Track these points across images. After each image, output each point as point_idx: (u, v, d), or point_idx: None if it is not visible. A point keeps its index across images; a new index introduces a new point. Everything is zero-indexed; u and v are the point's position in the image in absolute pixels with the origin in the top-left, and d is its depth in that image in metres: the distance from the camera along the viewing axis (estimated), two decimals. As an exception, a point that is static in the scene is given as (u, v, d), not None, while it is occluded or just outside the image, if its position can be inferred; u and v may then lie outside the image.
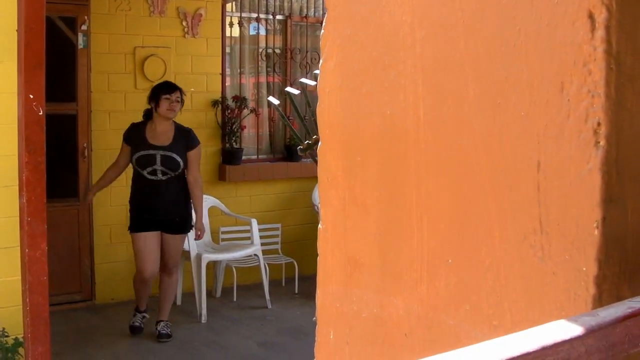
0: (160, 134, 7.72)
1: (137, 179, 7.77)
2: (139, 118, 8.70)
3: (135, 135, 7.77)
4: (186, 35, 9.37)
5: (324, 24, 1.75)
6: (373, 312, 1.62)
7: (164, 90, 7.72)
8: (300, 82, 2.40)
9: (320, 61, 1.77)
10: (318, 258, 1.79)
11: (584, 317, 0.92)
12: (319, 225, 1.78)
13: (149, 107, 7.88)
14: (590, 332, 0.88)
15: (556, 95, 1.25)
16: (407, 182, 1.53)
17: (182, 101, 7.81)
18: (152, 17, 9.12)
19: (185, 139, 7.75)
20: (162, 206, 7.70)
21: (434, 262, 1.47)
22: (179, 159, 7.67)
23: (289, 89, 2.60)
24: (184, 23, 9.34)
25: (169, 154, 7.64)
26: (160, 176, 7.65)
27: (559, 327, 0.89)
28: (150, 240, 7.65)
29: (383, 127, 1.59)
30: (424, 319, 1.49)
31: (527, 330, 0.88)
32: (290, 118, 9.63)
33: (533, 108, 1.29)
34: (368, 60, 1.63)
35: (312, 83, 2.00)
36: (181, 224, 7.86)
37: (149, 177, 7.65)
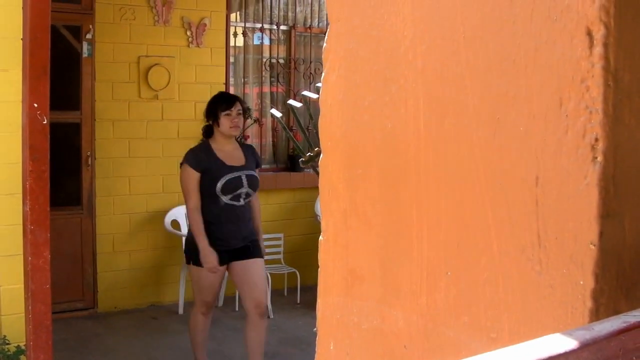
0: (231, 153, 6.71)
1: (211, 207, 6.60)
2: (142, 127, 8.74)
3: (207, 160, 6.60)
4: (190, 45, 9.39)
5: (326, 37, 1.77)
6: (373, 323, 1.63)
7: (221, 105, 6.62)
8: (303, 94, 2.41)
9: (323, 74, 1.79)
10: (319, 269, 1.80)
11: (579, 330, 0.93)
12: (320, 237, 1.79)
13: (207, 123, 6.80)
14: (584, 346, 0.90)
15: (555, 111, 1.27)
16: (408, 195, 1.55)
17: (245, 111, 6.84)
18: (156, 26, 9.14)
19: (253, 155, 6.95)
20: (239, 235, 6.70)
21: (434, 274, 1.48)
22: (259, 177, 6.83)
23: (291, 101, 2.62)
24: (189, 33, 9.36)
25: (252, 172, 6.73)
26: (242, 201, 6.65)
27: (554, 341, 0.90)
28: (221, 275, 6.74)
29: (384, 140, 1.61)
30: (424, 331, 1.50)
31: (523, 344, 0.90)
32: (293, 129, 9.66)
33: (532, 123, 1.30)
34: (370, 74, 1.64)
35: (315, 96, 2.02)
36: (258, 246, 6.86)
37: (230, 202, 6.61)
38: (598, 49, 1.22)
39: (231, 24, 9.91)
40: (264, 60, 10.35)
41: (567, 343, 0.89)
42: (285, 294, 9.56)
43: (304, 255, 9.61)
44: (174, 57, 9.25)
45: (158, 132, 9.09)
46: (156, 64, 9.09)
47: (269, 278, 8.88)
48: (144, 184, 9.04)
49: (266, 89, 10.42)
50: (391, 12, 1.59)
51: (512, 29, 1.34)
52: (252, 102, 10.17)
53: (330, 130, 1.76)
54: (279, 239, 9.70)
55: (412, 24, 1.54)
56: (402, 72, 1.56)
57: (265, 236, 9.23)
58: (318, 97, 1.81)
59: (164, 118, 9.14)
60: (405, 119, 1.55)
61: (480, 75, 1.40)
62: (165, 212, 8.97)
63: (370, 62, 1.64)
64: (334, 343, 1.75)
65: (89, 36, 8.69)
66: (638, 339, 0.98)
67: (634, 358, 0.97)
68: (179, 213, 8.98)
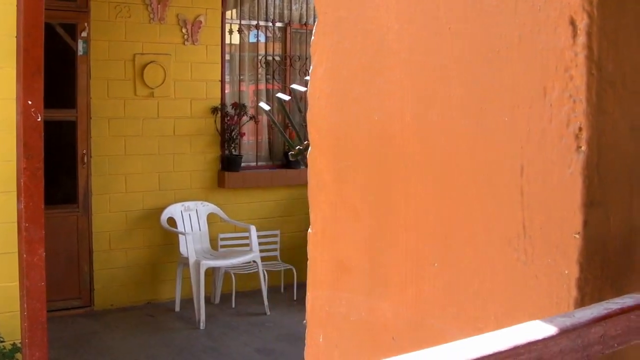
0: None
1: None
2: (138, 125, 8.74)
3: None
4: (186, 42, 9.39)
5: (314, 30, 1.77)
6: (361, 315, 1.63)
7: None
8: (292, 88, 2.41)
9: (311, 67, 1.79)
10: (308, 262, 1.80)
11: (559, 317, 0.93)
12: (309, 229, 1.79)
13: None
14: (564, 333, 0.90)
15: (539, 100, 1.26)
16: (395, 187, 1.54)
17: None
18: (152, 24, 9.14)
19: None
20: None
21: (421, 265, 1.48)
22: None
23: (279, 94, 2.62)
24: (184, 30, 9.36)
25: None
26: None
27: (533, 327, 0.90)
28: None
29: (371, 132, 1.61)
30: (411, 322, 1.50)
31: (502, 330, 0.90)
32: (289, 127, 9.66)
33: (516, 113, 1.30)
34: (356, 67, 1.64)
35: (303, 89, 2.02)
36: None
37: None
38: (581, 39, 1.22)
39: (227, 21, 9.91)
40: (260, 57, 10.35)
41: (546, 329, 0.89)
42: (282, 290, 9.56)
43: (300, 251, 9.54)
44: (169, 54, 9.25)
45: (154, 130, 9.09)
46: (152, 62, 9.09)
47: (266, 275, 8.89)
48: (140, 182, 9.03)
49: (262, 86, 10.42)
50: (377, 4, 1.59)
51: (496, 19, 1.34)
52: (248, 100, 10.15)
53: (318, 123, 1.76)
54: (275, 235, 9.70)
55: (398, 16, 1.54)
56: (388, 64, 1.56)
57: (261, 233, 9.27)
58: (307, 90, 1.81)
59: (160, 115, 9.14)
60: (391, 110, 1.55)
61: (464, 65, 1.40)
62: (162, 209, 8.96)
63: (357, 54, 1.64)
64: (323, 336, 1.75)
65: (84, 34, 8.68)
66: (619, 326, 0.98)
67: (616, 345, 0.97)
68: (175, 210, 8.99)
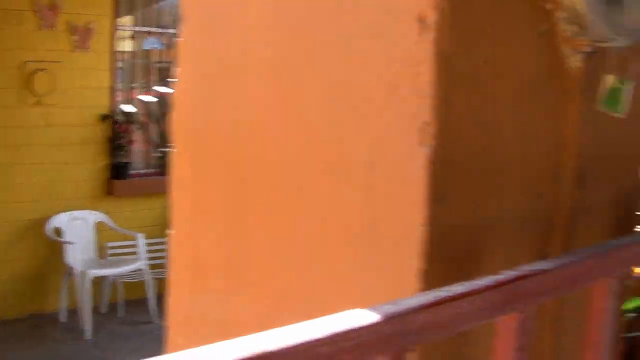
0: None
1: None
2: (26, 134, 8.57)
3: None
4: (76, 49, 9.20)
5: (179, 33, 1.75)
6: (218, 314, 1.62)
7: None
8: (154, 89, 2.38)
9: (175, 68, 1.77)
10: (169, 263, 1.78)
11: (385, 305, 0.93)
12: (169, 230, 1.77)
13: None
14: (387, 320, 0.89)
15: (388, 96, 1.27)
16: (251, 185, 1.54)
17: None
18: (41, 31, 8.94)
19: None
20: None
21: (273, 263, 1.48)
22: None
23: (141, 96, 2.60)
24: (75, 37, 9.18)
25: None
26: None
27: (355, 315, 0.90)
28: None
29: (232, 132, 1.60)
30: (264, 319, 1.49)
31: (323, 318, 0.89)
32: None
33: (366, 109, 1.31)
34: (218, 68, 1.64)
35: (167, 90, 2.00)
36: None
37: None
38: (431, 35, 1.23)
39: (119, 27, 9.77)
40: (153, 64, 10.24)
41: (368, 317, 0.89)
42: (172, 299, 9.48)
43: (192, 261, 9.50)
44: (59, 62, 9.05)
45: (42, 139, 8.90)
46: (41, 69, 8.90)
47: (154, 283, 8.81)
48: (28, 192, 8.83)
49: (154, 93, 10.30)
50: (240, 6, 1.58)
51: (348, 17, 1.35)
52: (139, 107, 10.02)
53: (180, 124, 1.75)
54: (165, 242, 9.57)
55: (259, 19, 1.53)
56: (246, 65, 1.57)
57: (151, 240, 9.17)
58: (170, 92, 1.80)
59: (49, 124, 8.95)
60: (248, 111, 1.55)
61: (319, 63, 1.40)
62: (49, 219, 8.79)
63: (219, 56, 1.64)
64: (183, 337, 1.73)
65: (-29, 41, 8.47)
66: (447, 313, 0.98)
67: (442, 332, 0.97)
68: (61, 220, 8.82)
